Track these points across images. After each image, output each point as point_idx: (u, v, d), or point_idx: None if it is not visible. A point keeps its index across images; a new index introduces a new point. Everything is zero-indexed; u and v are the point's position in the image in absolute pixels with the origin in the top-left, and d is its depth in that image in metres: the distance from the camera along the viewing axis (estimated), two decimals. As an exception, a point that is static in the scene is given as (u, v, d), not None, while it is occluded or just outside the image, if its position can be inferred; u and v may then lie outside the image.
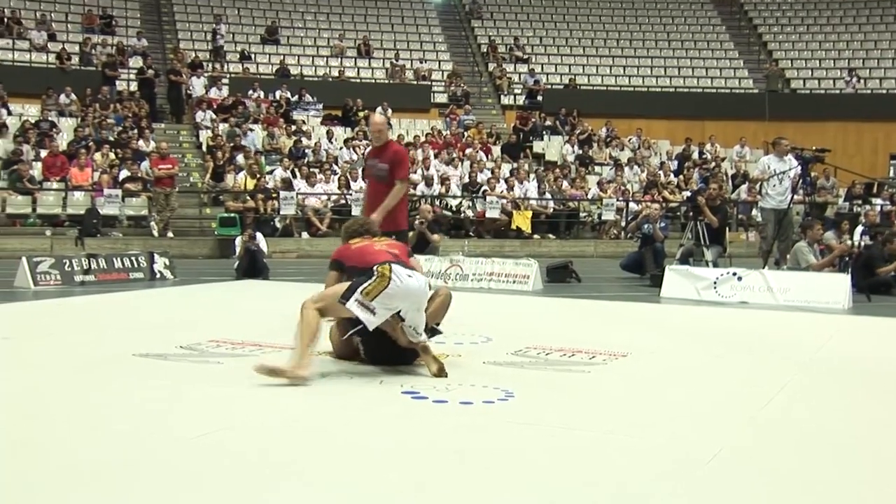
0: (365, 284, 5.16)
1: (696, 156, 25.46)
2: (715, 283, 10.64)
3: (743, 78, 29.92)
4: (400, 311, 5.25)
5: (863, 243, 13.95)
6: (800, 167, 12.17)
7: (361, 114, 24.56)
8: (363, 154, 22.09)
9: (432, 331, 5.79)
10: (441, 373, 5.29)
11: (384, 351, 5.45)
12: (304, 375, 4.98)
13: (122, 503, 3.06)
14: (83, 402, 4.63)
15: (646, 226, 13.57)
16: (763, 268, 11.27)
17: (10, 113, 21.59)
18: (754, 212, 22.03)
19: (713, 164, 24.74)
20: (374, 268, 5.23)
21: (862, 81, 28.99)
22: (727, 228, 13.74)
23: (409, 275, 5.27)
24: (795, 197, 12.18)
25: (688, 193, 22.09)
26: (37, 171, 18.80)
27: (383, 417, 4.43)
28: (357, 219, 6.10)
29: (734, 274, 10.66)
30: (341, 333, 5.60)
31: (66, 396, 4.76)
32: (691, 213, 13.40)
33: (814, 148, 12.30)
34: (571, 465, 3.61)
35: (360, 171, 19.42)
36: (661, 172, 23.63)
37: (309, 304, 5.26)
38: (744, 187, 23.34)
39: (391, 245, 5.68)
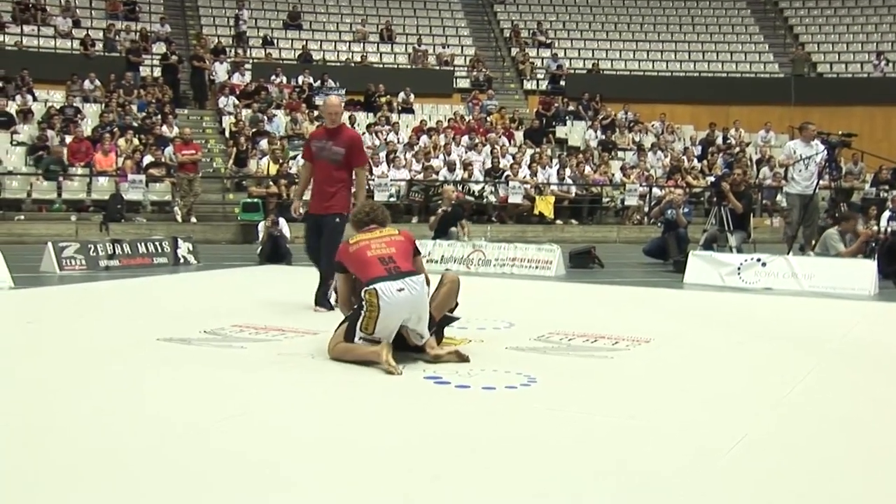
0: (360, 320, 5.25)
1: (720, 141, 25.26)
2: (739, 268, 10.58)
3: (768, 62, 29.61)
4: (402, 322, 5.29)
5: (889, 229, 13.80)
6: (826, 152, 12.06)
7: (383, 99, 24.54)
8: (385, 139, 22.13)
9: (447, 319, 5.79)
10: (462, 358, 5.31)
11: (397, 340, 5.43)
12: (390, 362, 5.02)
13: (145, 485, 3.09)
14: (107, 385, 4.67)
15: (669, 211, 13.50)
16: (787, 253, 11.19)
17: (35, 99, 21.72)
18: (779, 197, 21.88)
19: (737, 149, 24.54)
20: (363, 294, 5.25)
21: (890, 65, 28.59)
22: (751, 214, 13.64)
23: (399, 288, 5.21)
24: (821, 182, 12.05)
25: (711, 179, 21.96)
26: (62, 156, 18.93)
27: (405, 403, 4.44)
28: (363, 206, 5.99)
29: (758, 260, 10.59)
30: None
31: (90, 380, 4.81)
32: (715, 199, 13.31)
33: (840, 133, 12.18)
34: (594, 452, 3.60)
35: (299, 152, 19.32)
36: (684, 158, 23.46)
37: (331, 352, 5.39)
38: (766, 170, 23.16)
39: (391, 242, 5.52)
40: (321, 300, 7.69)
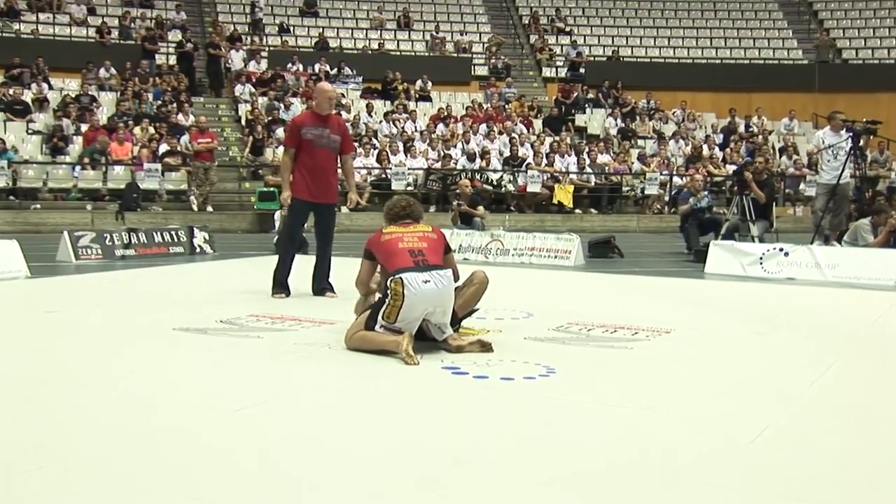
0: (383, 308, 5.27)
1: (742, 129, 25.12)
2: (761, 258, 10.54)
3: (792, 48, 29.39)
4: (425, 316, 5.31)
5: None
6: (851, 140, 11.97)
7: (401, 87, 24.52)
8: (402, 128, 22.12)
9: (469, 311, 5.84)
10: (485, 347, 5.33)
11: (418, 334, 5.44)
12: (409, 352, 5.03)
13: (161, 475, 3.12)
14: (123, 375, 4.71)
15: (691, 199, 13.40)
16: (811, 243, 11.12)
17: (50, 87, 21.84)
18: (802, 186, 21.75)
19: (760, 137, 24.40)
20: (389, 283, 5.28)
21: (917, 51, 28.36)
22: (774, 203, 13.56)
23: (425, 280, 5.23)
24: (846, 171, 11.96)
25: (733, 167, 21.83)
26: (77, 144, 19.03)
27: (422, 393, 4.46)
28: (399, 200, 5.93)
29: (781, 249, 10.54)
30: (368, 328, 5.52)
31: (107, 369, 4.85)
32: (737, 188, 13.23)
33: (865, 120, 12.09)
34: (613, 443, 3.60)
35: (291, 141, 19.23)
36: (705, 146, 23.35)
37: (349, 341, 5.42)
38: (784, 158, 23.01)
39: (423, 238, 5.56)
40: (324, 284, 7.84)
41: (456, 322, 5.56)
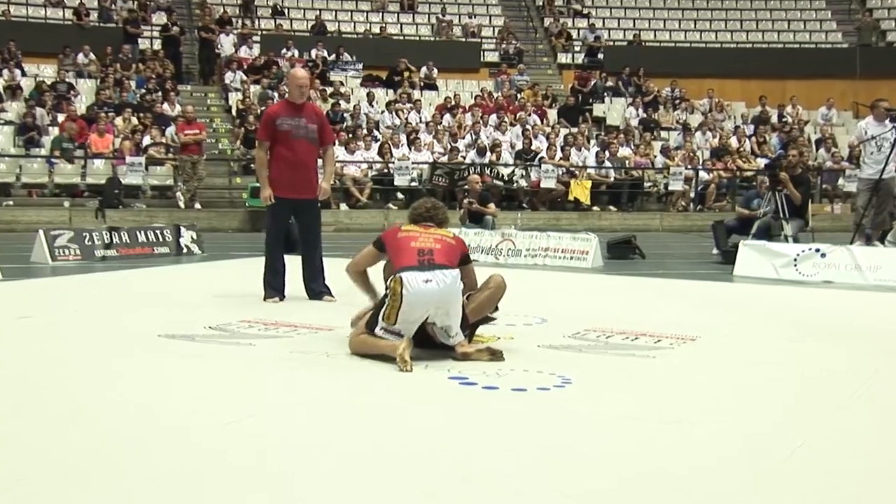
0: (383, 309, 5.37)
1: (774, 119, 25.08)
2: (795, 259, 10.52)
3: (830, 31, 29.34)
4: (427, 318, 5.35)
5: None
6: (894, 131, 11.94)
7: (405, 75, 24.53)
8: (406, 118, 22.14)
9: (485, 318, 5.86)
10: (495, 356, 5.35)
11: (424, 338, 5.45)
12: (404, 357, 5.08)
13: (142, 492, 3.13)
14: (104, 386, 4.72)
15: (755, 202, 13.20)
16: (851, 243, 11.10)
17: (24, 74, 21.89)
18: (840, 181, 21.72)
19: (794, 128, 24.36)
20: (389, 282, 5.40)
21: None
22: (810, 200, 13.52)
23: (426, 279, 5.30)
24: (891, 165, 11.92)
25: (765, 161, 21.81)
26: (54, 136, 19.06)
27: (427, 405, 4.46)
28: (425, 201, 6.09)
29: (817, 250, 10.52)
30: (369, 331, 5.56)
31: (86, 380, 4.85)
32: (769, 183, 13.20)
33: (912, 109, 12.07)
34: (632, 459, 3.60)
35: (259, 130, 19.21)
36: (734, 138, 23.33)
37: (351, 344, 5.54)
38: (821, 151, 22.97)
39: (439, 240, 5.64)
40: (321, 287, 7.88)
41: (467, 327, 5.56)
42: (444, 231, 5.83)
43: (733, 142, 23.10)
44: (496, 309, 5.98)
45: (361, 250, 5.95)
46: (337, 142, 19.39)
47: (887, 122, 12.22)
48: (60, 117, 19.51)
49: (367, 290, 6.06)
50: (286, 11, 27.44)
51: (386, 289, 5.45)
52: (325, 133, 8.11)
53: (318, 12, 27.28)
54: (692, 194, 21.08)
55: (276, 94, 21.91)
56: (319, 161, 8.23)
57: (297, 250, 8.23)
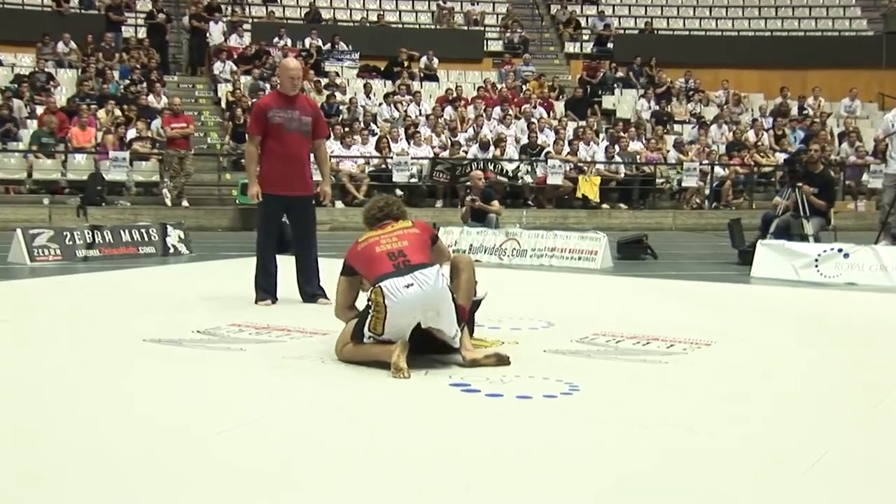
0: (367, 322, 5.34)
1: (795, 112, 25.07)
2: (816, 260, 10.51)
3: (855, 18, 29.32)
4: (419, 322, 5.31)
5: None
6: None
7: (406, 64, 24.53)
8: (405, 111, 22.14)
9: (475, 304, 5.84)
10: (503, 361, 5.36)
11: (422, 341, 5.44)
12: (398, 364, 5.07)
13: (133, 506, 3.13)
14: (87, 394, 4.72)
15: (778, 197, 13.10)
16: (876, 242, 11.10)
17: (0, 63, 21.88)
18: (865, 177, 21.70)
19: (816, 121, 24.35)
20: (370, 293, 5.36)
21: None
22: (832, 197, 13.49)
23: (406, 284, 5.25)
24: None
25: (784, 156, 21.79)
26: (32, 129, 19.04)
27: (429, 413, 4.46)
28: (376, 201, 6.01)
29: (840, 250, 10.52)
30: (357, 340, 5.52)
31: (68, 388, 4.85)
32: (788, 179, 13.19)
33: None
34: (646, 469, 3.60)
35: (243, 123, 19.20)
36: (752, 132, 23.32)
37: (339, 354, 5.52)
38: (844, 146, 22.96)
39: (403, 235, 5.59)
40: (316, 289, 7.89)
41: (463, 319, 5.49)
42: (403, 223, 5.75)
43: (750, 136, 23.11)
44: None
45: (336, 290, 5.86)
46: (332, 136, 19.46)
47: None
48: (39, 110, 19.51)
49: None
50: (279, -2, 27.47)
51: (368, 301, 5.38)
52: (319, 127, 8.11)
53: (312, -1, 27.31)
54: (707, 191, 21.06)
55: (267, 86, 21.91)
56: (312, 156, 8.21)
57: (291, 250, 8.23)
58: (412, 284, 5.27)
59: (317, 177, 8.40)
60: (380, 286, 5.29)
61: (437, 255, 5.67)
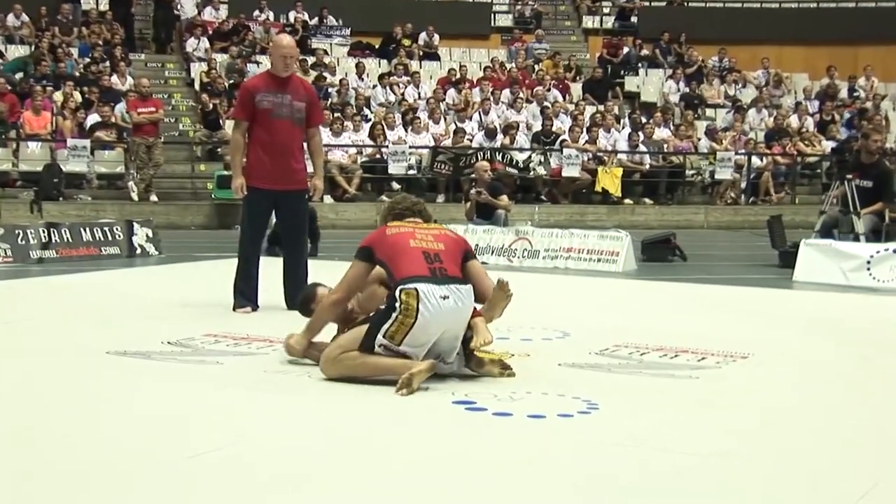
0: (387, 325, 5.20)
1: (844, 94, 25.06)
2: (868, 262, 10.52)
3: (913, -14, 29.28)
4: (435, 342, 5.28)
5: None
6: None
7: (406, 42, 24.52)
8: (402, 94, 22.14)
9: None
10: (507, 371, 5.40)
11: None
12: (411, 384, 5.02)
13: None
14: (43, 415, 4.73)
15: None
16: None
17: (-58, 39, 21.93)
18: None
19: (868, 104, 24.34)
20: (398, 293, 5.18)
21: None
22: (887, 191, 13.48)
23: (443, 295, 5.18)
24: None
25: (832, 145, 21.80)
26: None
27: (430, 434, 4.47)
28: (405, 196, 6.01)
29: (895, 251, 10.52)
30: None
31: (15, 404, 4.87)
32: (837, 171, 13.19)
33: None
34: (674, 498, 3.62)
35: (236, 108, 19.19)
36: (795, 117, 23.32)
37: (331, 366, 5.35)
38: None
39: (440, 237, 5.55)
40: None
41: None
42: (437, 225, 5.79)
43: (793, 121, 23.09)
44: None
45: (345, 273, 5.61)
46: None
47: None
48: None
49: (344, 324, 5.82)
50: (259, -34, 27.47)
51: (393, 300, 5.24)
52: (314, 113, 8.08)
53: (296, -33, 27.32)
54: (743, 184, 21.04)
55: (246, 66, 21.91)
56: (305, 145, 8.17)
57: (273, 251, 8.25)
58: (448, 297, 5.20)
59: (309, 168, 8.34)
60: (416, 287, 5.16)
61: (470, 277, 5.55)
